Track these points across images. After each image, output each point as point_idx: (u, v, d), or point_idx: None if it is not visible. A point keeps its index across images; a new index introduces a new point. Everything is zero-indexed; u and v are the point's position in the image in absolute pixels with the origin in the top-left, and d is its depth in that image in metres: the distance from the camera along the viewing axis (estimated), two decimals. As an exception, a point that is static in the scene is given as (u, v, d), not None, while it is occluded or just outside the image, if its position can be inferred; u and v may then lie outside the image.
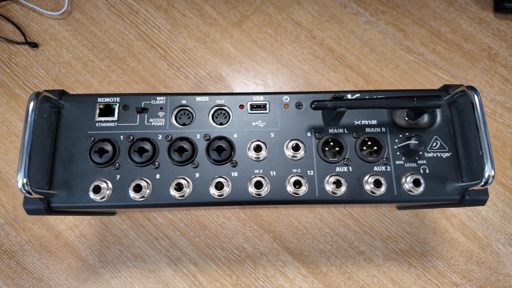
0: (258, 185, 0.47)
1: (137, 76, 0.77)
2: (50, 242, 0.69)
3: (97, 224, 0.70)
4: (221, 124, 0.50)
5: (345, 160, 0.48)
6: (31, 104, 0.44)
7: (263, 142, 0.48)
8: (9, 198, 0.72)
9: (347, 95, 0.48)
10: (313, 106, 0.44)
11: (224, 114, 0.50)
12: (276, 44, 0.79)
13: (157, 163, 0.48)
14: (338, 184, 0.46)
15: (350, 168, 0.48)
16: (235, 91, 0.77)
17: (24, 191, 0.42)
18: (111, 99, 0.50)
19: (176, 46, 0.79)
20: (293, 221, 0.70)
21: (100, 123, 0.49)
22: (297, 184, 0.46)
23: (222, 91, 0.76)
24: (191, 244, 0.69)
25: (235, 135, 0.49)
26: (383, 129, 0.49)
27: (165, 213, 0.71)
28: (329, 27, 0.81)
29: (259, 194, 0.47)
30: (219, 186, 0.47)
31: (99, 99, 0.50)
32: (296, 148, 0.47)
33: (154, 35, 0.80)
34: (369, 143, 0.49)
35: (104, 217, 0.70)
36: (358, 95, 0.49)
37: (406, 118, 0.50)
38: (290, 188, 0.47)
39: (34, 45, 0.78)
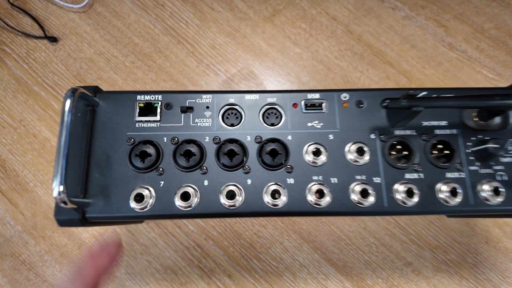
0: (319, 193, 0.42)
1: (164, 73, 0.72)
2: (72, 252, 0.64)
3: (123, 233, 0.64)
4: (272, 124, 0.45)
5: (414, 165, 0.43)
6: (68, 102, 0.39)
7: (322, 145, 0.43)
8: (28, 203, 0.66)
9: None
10: (384, 104, 0.39)
11: (276, 113, 0.46)
12: (311, 40, 0.75)
13: (205, 167, 0.43)
14: (410, 193, 0.41)
15: (421, 174, 0.43)
16: (268, 89, 0.72)
17: (60, 201, 0.37)
18: (152, 97, 0.45)
19: (205, 42, 0.74)
20: (334, 230, 0.65)
21: (140, 123, 0.44)
22: (364, 193, 0.41)
23: (255, 89, 0.71)
24: (225, 254, 0.64)
25: (289, 137, 0.44)
26: (454, 131, 0.45)
27: (196, 220, 0.66)
28: (367, 22, 0.77)
29: (319, 204, 0.42)
30: (274, 195, 0.42)
31: (139, 97, 0.45)
32: (360, 151, 0.43)
33: (181, 29, 0.75)
34: (440, 146, 0.44)
35: (130, 225, 0.65)
36: (425, 93, 0.44)
37: (476, 119, 0.46)
38: (354, 197, 0.42)
39: (53, 39, 0.73)
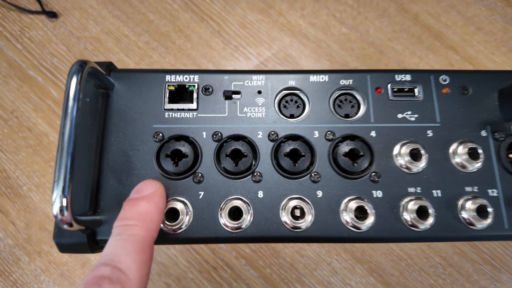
0: (420, 212, 0.30)
1: (184, 56, 0.60)
2: (74, 272, 0.52)
3: (137, 249, 0.53)
4: (347, 116, 0.34)
5: (542, 173, 0.32)
6: (74, 81, 0.27)
7: (420, 145, 0.32)
8: (20, 211, 0.55)
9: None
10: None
11: (352, 101, 0.34)
12: (359, 18, 0.63)
13: (258, 173, 0.32)
14: (539, 210, 0.30)
15: (550, 185, 0.32)
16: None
17: (63, 222, 0.26)
18: (186, 78, 0.33)
19: (233, 20, 0.63)
20: (393, 248, 0.54)
21: (171, 113, 0.33)
22: (480, 211, 0.30)
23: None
24: (261, 277, 0.52)
25: (373, 133, 0.33)
26: None
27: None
28: (423, -1, 0.65)
29: (417, 227, 0.30)
30: (359, 214, 0.31)
31: (168, 77, 0.33)
32: (473, 155, 0.31)
33: (204, 4, 0.63)
34: None
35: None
36: None
37: None
38: (466, 216, 0.30)
39: (53, 15, 0.61)
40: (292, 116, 0.34)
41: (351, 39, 0.62)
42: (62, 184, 0.26)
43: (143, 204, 0.27)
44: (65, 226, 0.26)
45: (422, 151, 0.31)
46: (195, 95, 0.33)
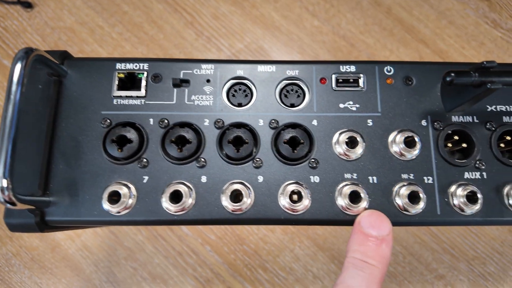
0: (353, 197, 0.31)
1: (157, 46, 0.61)
2: (44, 256, 0.54)
3: (104, 234, 0.55)
4: (293, 105, 0.35)
5: (477, 162, 0.33)
6: (18, 68, 0.28)
7: (358, 133, 0.33)
8: (-7, 197, 0.56)
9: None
10: (448, 79, 0.29)
11: (298, 91, 0.35)
12: (332, 11, 0.64)
13: (203, 159, 0.33)
14: (471, 197, 0.31)
15: (484, 173, 0.33)
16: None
17: (4, 200, 0.27)
18: (136, 66, 0.34)
19: (206, 11, 0.63)
20: (356, 236, 0.55)
21: (119, 100, 0.34)
22: (412, 197, 0.31)
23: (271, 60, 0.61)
24: (225, 263, 0.54)
25: (315, 122, 0.34)
26: (527, 119, 0.34)
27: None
28: (397, -7, 0.66)
29: (351, 210, 0.31)
30: (295, 197, 0.32)
31: (118, 65, 0.34)
32: (409, 143, 0.32)
33: (178, -4, 0.64)
34: (508, 138, 0.34)
35: (114, 226, 0.55)
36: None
37: (553, 105, 0.35)
38: (399, 202, 0.32)
39: (28, 5, 0.62)
40: (240, 105, 0.35)
41: (323, 32, 0.63)
42: (2, 166, 0.27)
43: (385, 248, 0.29)
44: (8, 205, 0.28)
45: (359, 139, 0.32)
46: (144, 82, 0.34)
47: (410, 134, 0.32)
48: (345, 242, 0.55)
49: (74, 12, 0.63)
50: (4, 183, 0.27)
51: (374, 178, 0.32)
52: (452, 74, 0.29)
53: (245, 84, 0.35)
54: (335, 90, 0.35)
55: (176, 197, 0.32)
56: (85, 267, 0.54)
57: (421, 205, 0.31)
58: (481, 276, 0.55)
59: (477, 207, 0.32)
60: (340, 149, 0.33)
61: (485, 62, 0.29)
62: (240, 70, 0.35)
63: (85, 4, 0.64)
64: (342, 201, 0.32)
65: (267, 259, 0.55)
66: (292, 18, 0.64)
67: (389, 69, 0.35)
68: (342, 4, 0.64)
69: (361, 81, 0.35)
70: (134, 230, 0.55)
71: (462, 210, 0.32)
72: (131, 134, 0.33)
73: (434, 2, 0.65)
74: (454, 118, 0.34)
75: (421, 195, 0.31)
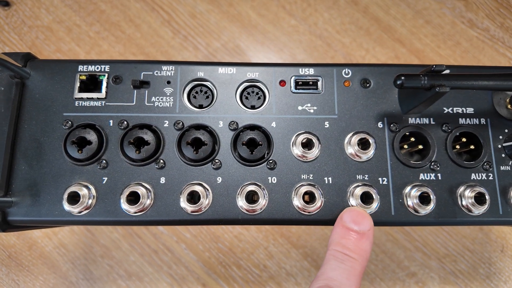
0: (308, 197, 0.32)
1: (134, 45, 0.61)
2: (21, 253, 0.55)
3: (81, 232, 0.55)
4: (253, 107, 0.35)
5: (432, 163, 0.34)
6: (-28, 69, 0.29)
7: (314, 135, 0.33)
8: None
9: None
10: (399, 82, 0.29)
11: (258, 93, 0.36)
12: (309, 10, 0.64)
13: (161, 161, 0.33)
14: (424, 198, 0.32)
15: (438, 175, 0.34)
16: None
17: (-41, 202, 0.27)
18: (97, 68, 0.35)
19: (183, 9, 0.63)
20: (328, 234, 0.56)
21: (81, 102, 0.34)
22: (365, 197, 0.32)
23: (231, 61, 0.61)
24: (200, 260, 0.55)
25: (273, 124, 0.34)
26: (483, 121, 0.35)
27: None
28: (374, -8, 0.66)
29: (307, 211, 0.32)
30: (252, 197, 0.33)
31: (80, 67, 0.35)
32: (364, 144, 0.33)
33: (156, -5, 0.64)
34: (464, 140, 0.34)
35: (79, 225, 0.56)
36: (448, 71, 0.34)
37: (510, 107, 0.36)
38: (353, 202, 0.32)
39: (5, 3, 0.62)
40: (201, 107, 0.35)
41: (299, 31, 0.63)
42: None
43: (366, 242, 0.29)
44: (-35, 206, 0.28)
45: (315, 141, 0.33)
46: (104, 84, 0.34)
47: (364, 136, 0.33)
48: (318, 239, 0.56)
49: (51, 10, 0.63)
50: (-41, 185, 0.27)
51: (330, 178, 0.33)
52: (402, 78, 0.30)
53: (206, 86, 0.36)
54: (294, 93, 0.35)
55: (135, 198, 0.32)
56: (61, 265, 0.54)
57: (374, 205, 0.32)
58: (452, 274, 0.56)
59: (430, 207, 0.32)
60: (297, 150, 0.33)
61: (434, 66, 0.30)
62: (201, 72, 0.35)
63: (62, 2, 0.64)
64: (297, 201, 0.32)
65: (241, 256, 0.55)
66: (268, 17, 0.64)
67: (347, 72, 0.35)
68: (319, 3, 0.65)
69: (319, 84, 0.35)
70: (110, 228, 0.56)
71: (416, 211, 0.33)
72: (91, 136, 0.33)
73: (411, 1, 0.66)
74: (411, 120, 0.35)
75: (374, 195, 0.32)
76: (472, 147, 0.35)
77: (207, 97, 0.36)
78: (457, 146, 0.35)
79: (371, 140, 0.33)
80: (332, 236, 0.30)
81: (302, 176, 0.33)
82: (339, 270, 0.27)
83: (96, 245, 0.56)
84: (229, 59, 0.62)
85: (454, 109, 0.35)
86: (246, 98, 0.36)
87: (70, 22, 0.63)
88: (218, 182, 0.33)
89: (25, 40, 0.62)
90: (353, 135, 0.33)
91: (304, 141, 0.33)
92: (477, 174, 0.34)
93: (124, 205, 0.32)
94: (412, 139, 0.35)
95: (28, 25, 0.63)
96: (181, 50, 0.62)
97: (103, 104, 0.34)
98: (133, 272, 0.55)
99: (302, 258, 0.55)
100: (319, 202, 0.32)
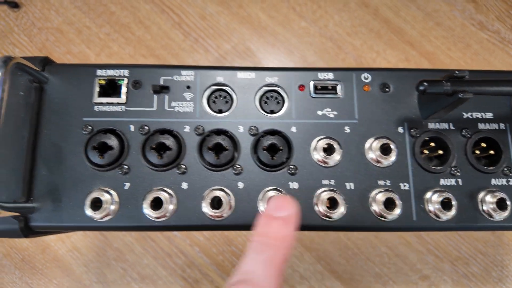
0: (331, 202, 0.32)
1: (144, 47, 0.61)
2: (34, 257, 0.54)
3: (94, 235, 0.55)
4: (272, 112, 0.35)
5: (452, 168, 0.34)
6: (-4, 75, 0.28)
7: (335, 140, 0.33)
8: (-18, 198, 0.56)
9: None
10: (421, 88, 0.29)
11: (277, 98, 0.36)
12: (319, 12, 0.64)
13: (183, 166, 0.33)
14: (445, 204, 0.32)
15: (459, 180, 0.34)
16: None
17: (-16, 209, 0.27)
18: (117, 72, 0.35)
19: (193, 11, 0.63)
20: (341, 237, 0.56)
21: (100, 107, 0.34)
22: (388, 203, 0.32)
23: (250, 66, 0.61)
24: (213, 263, 0.55)
25: (293, 129, 0.34)
26: (502, 126, 0.35)
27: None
28: (385, -6, 0.66)
29: (330, 216, 0.32)
30: (273, 203, 0.33)
31: (99, 72, 0.35)
32: (385, 150, 0.33)
33: (166, -4, 0.64)
34: (484, 145, 0.35)
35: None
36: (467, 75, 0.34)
37: (529, 111, 0.36)
38: (376, 208, 0.32)
39: (14, 5, 0.62)
40: (220, 111, 0.35)
41: (310, 33, 0.63)
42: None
43: (289, 228, 0.27)
44: (-10, 213, 0.28)
45: (336, 146, 0.33)
46: (124, 89, 0.34)
47: (386, 141, 0.33)
48: (331, 243, 0.56)
49: (61, 12, 0.63)
50: (-15, 192, 0.27)
51: (351, 184, 0.33)
52: (425, 84, 0.30)
53: (225, 91, 0.36)
54: (313, 97, 0.35)
55: (157, 203, 0.32)
56: (75, 268, 0.54)
57: (397, 211, 0.32)
58: (464, 276, 0.56)
59: (452, 213, 0.32)
60: (318, 155, 0.33)
61: (457, 72, 0.30)
62: (220, 77, 0.35)
63: (72, 4, 0.64)
64: (320, 207, 0.32)
65: (253, 259, 0.55)
66: (279, 19, 0.64)
67: (366, 76, 0.35)
68: (329, 5, 0.64)
69: (338, 88, 0.35)
70: (124, 232, 0.56)
71: (438, 216, 0.33)
72: (112, 141, 0.33)
73: (421, 3, 0.66)
74: (431, 125, 0.35)
75: (397, 201, 0.32)
76: (491, 152, 0.35)
77: (226, 101, 0.36)
78: (477, 151, 0.35)
79: (392, 146, 0.33)
80: (254, 228, 0.27)
81: (324, 182, 0.33)
82: (255, 261, 0.25)
83: (109, 249, 0.56)
84: (239, 61, 0.62)
85: (473, 114, 0.35)
86: (265, 102, 0.35)
87: (80, 24, 0.63)
88: (239, 187, 0.33)
89: (35, 42, 0.62)
90: (374, 140, 0.33)
91: (325, 146, 0.33)
92: (497, 179, 0.34)
93: (147, 211, 0.32)
94: (432, 144, 0.35)
95: (38, 26, 0.63)
96: (192, 53, 0.62)
97: (123, 109, 0.34)
98: (146, 275, 0.55)
99: (315, 261, 0.55)
100: (342, 208, 0.32)
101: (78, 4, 0.63)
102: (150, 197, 0.32)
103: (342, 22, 0.64)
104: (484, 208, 0.33)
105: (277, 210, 0.27)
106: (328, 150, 0.33)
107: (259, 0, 0.65)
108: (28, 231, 0.33)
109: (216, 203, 0.33)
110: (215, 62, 0.62)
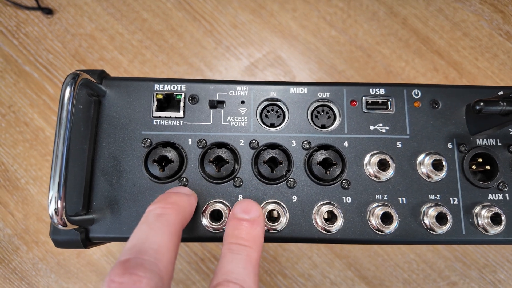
0: (384, 217, 0.33)
1: (177, 55, 0.62)
2: (70, 261, 0.55)
3: (129, 240, 0.56)
4: (323, 126, 0.36)
5: (500, 184, 0.35)
6: (67, 91, 0.29)
7: (388, 155, 0.34)
8: (19, 203, 0.57)
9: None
10: (478, 107, 0.30)
11: (328, 112, 0.36)
12: (349, 21, 0.64)
13: (239, 178, 0.34)
14: (494, 218, 0.33)
15: (506, 195, 0.35)
16: (298, 78, 0.62)
17: (58, 222, 0.28)
18: (174, 87, 0.35)
19: (225, 19, 0.64)
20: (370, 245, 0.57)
21: (159, 120, 0.35)
22: (440, 217, 0.33)
23: (283, 79, 0.62)
24: (246, 268, 0.55)
25: (346, 144, 0.35)
26: (548, 142, 0.36)
27: (213, 228, 0.57)
28: (413, 3, 0.66)
29: (382, 231, 0.33)
30: (327, 216, 0.34)
31: (157, 86, 0.35)
32: (437, 166, 0.34)
33: (197, 3, 0.65)
34: (530, 160, 0.36)
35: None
36: (501, 92, 0.35)
37: None
38: (427, 222, 0.33)
39: (48, 11, 0.63)
40: (272, 126, 0.36)
41: (340, 42, 0.64)
42: (57, 188, 0.28)
43: (258, 228, 0.29)
44: (60, 226, 0.29)
45: (390, 161, 0.34)
46: (182, 104, 0.35)
47: (438, 157, 0.34)
48: (360, 250, 0.57)
49: (94, 19, 0.64)
50: (60, 205, 0.28)
51: (404, 199, 0.34)
52: (482, 104, 0.30)
53: (278, 105, 0.37)
54: (365, 112, 0.36)
55: (216, 215, 0.33)
56: (109, 272, 0.55)
57: (448, 225, 0.33)
58: (491, 284, 0.57)
59: (500, 228, 0.34)
60: (371, 170, 0.34)
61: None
62: (273, 92, 0.36)
63: (105, 11, 0.64)
64: (374, 221, 0.33)
65: (286, 265, 0.56)
66: (309, 28, 0.64)
67: (416, 92, 0.36)
68: (359, 14, 0.65)
69: (390, 104, 0.36)
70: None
71: (486, 231, 0.34)
72: (172, 154, 0.34)
73: (449, 13, 0.67)
74: (478, 141, 0.36)
75: (448, 216, 0.33)
76: (537, 167, 0.36)
77: (278, 116, 0.36)
78: (523, 167, 0.36)
79: (444, 162, 0.34)
80: (225, 231, 0.29)
81: (377, 197, 0.34)
82: (235, 262, 0.27)
83: (143, 253, 0.56)
84: (271, 70, 0.63)
85: (520, 130, 0.36)
86: (316, 117, 0.36)
87: (112, 31, 0.64)
88: (293, 200, 0.34)
89: (69, 48, 0.63)
90: (426, 155, 0.34)
91: (379, 160, 0.34)
92: (543, 194, 0.35)
93: (206, 222, 0.33)
94: (480, 159, 0.36)
95: (71, 33, 0.63)
96: (224, 61, 0.63)
97: (181, 123, 0.35)
98: (180, 280, 0.56)
99: (345, 267, 0.56)
100: (395, 222, 0.33)
101: (110, 11, 0.64)
102: (209, 209, 0.33)
103: (372, 31, 0.65)
104: (531, 223, 0.34)
105: (244, 213, 0.30)
106: (382, 165, 0.34)
107: (290, 9, 0.65)
108: (88, 242, 0.34)
109: (271, 216, 0.34)
110: (246, 70, 0.63)
